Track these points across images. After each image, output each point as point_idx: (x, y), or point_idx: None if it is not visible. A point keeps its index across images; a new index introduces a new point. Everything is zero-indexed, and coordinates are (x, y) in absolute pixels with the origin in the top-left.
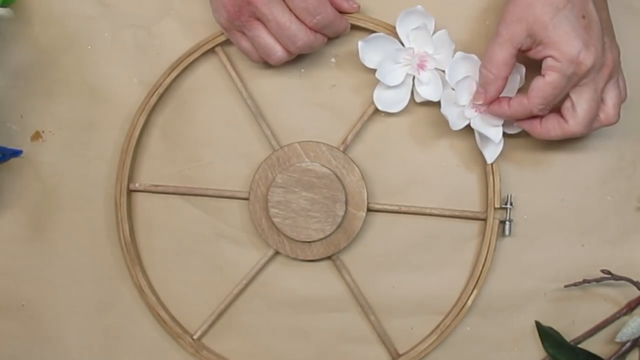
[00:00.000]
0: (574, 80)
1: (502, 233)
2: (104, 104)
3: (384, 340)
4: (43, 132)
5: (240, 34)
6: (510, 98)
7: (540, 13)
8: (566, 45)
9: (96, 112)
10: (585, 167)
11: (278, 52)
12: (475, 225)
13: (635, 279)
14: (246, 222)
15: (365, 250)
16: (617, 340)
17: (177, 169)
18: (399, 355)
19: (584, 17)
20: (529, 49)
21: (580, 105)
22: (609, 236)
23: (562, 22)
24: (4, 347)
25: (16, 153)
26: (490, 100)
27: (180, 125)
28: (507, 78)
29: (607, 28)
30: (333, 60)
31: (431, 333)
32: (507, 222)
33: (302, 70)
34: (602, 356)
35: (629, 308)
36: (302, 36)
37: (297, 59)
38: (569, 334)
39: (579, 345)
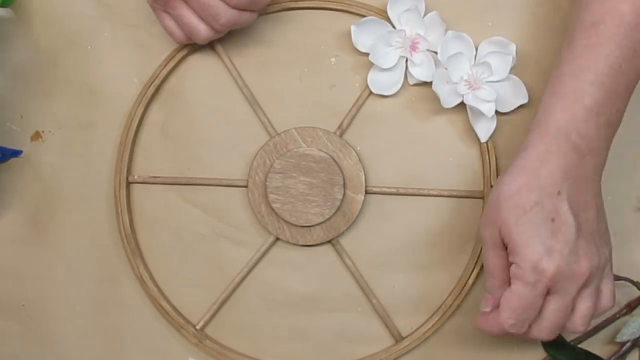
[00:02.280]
0: (540, 289)
1: None
2: (104, 104)
3: (387, 322)
4: (43, 132)
5: (165, 13)
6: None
7: (506, 216)
8: (527, 250)
9: (96, 112)
10: None
11: (202, 30)
12: (475, 226)
13: (635, 279)
14: (245, 215)
15: (365, 251)
16: (617, 340)
17: (175, 164)
18: (402, 338)
19: (553, 220)
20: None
21: (544, 316)
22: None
23: (526, 226)
24: (4, 347)
25: (16, 153)
26: (497, 300)
27: (179, 120)
28: (509, 276)
29: (590, 231)
30: (333, 60)
31: (433, 314)
32: None
33: (304, 70)
34: (602, 356)
35: (629, 308)
36: (224, 13)
37: (297, 58)
38: (570, 335)
39: (579, 345)
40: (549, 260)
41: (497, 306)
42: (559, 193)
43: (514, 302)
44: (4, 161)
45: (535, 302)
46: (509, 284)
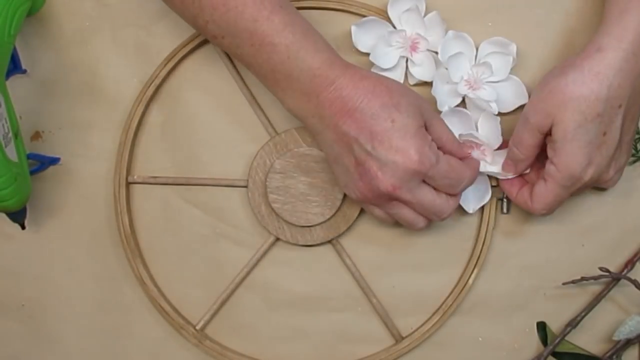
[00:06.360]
0: (571, 190)
1: (500, 210)
2: (104, 103)
3: (387, 322)
4: (43, 132)
5: (374, 206)
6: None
7: (567, 118)
8: (572, 159)
9: (96, 112)
10: None
11: (420, 223)
12: (474, 226)
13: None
14: (245, 215)
15: (365, 251)
16: (615, 338)
17: (175, 164)
18: (402, 338)
19: (605, 133)
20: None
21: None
22: (609, 236)
23: (581, 135)
24: (4, 347)
25: (54, 161)
26: (519, 172)
27: (179, 120)
28: (534, 156)
29: (626, 140)
30: None
31: (433, 314)
32: (504, 200)
33: None
34: (599, 354)
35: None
36: (447, 209)
37: None
38: (569, 334)
39: (578, 345)
40: (586, 171)
41: (519, 173)
42: (620, 106)
43: (549, 199)
44: (42, 170)
45: (566, 197)
46: (532, 158)
